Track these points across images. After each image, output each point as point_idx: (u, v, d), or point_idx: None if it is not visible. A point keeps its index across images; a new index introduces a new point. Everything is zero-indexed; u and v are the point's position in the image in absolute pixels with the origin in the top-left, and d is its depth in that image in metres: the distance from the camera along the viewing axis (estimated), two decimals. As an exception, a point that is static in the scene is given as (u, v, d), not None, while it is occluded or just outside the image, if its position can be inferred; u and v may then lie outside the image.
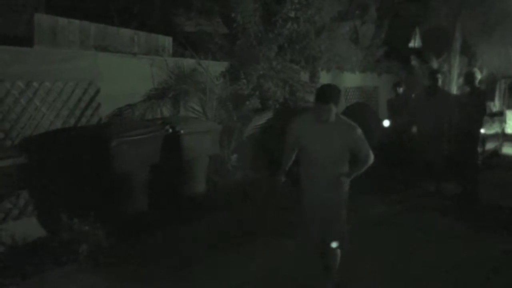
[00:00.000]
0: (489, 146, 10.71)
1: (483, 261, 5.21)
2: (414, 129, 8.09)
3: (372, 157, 4.06)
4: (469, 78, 7.77)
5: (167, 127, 6.04)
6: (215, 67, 8.01)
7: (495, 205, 7.38)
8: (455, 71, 14.99)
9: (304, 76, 9.68)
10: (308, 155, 4.12)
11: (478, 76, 7.75)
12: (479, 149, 8.63)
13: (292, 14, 8.93)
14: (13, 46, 5.42)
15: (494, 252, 5.48)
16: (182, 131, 6.12)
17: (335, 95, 3.95)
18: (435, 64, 14.87)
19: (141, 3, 9.04)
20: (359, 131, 3.99)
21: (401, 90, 9.66)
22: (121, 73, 6.47)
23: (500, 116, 11.97)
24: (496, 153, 11.76)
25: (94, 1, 8.01)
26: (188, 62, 7.60)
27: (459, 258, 5.21)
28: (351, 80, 12.62)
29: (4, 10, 6.66)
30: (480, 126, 7.90)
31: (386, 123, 9.52)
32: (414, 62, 14.92)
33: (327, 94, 3.93)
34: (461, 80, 13.90)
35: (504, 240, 5.91)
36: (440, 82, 8.08)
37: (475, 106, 7.54)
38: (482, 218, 6.73)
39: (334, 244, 4.11)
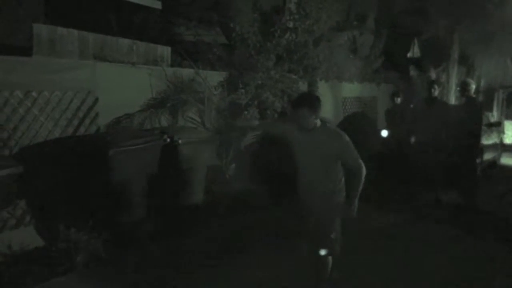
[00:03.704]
0: (488, 156, 10.71)
1: (483, 271, 5.20)
2: (413, 139, 8.09)
3: (363, 166, 4.00)
4: (463, 88, 7.79)
5: (165, 136, 6.03)
6: (214, 77, 8.02)
7: (494, 216, 7.38)
8: (453, 81, 15.03)
9: (303, 86, 9.70)
10: (299, 164, 4.18)
11: (473, 86, 7.77)
12: (478, 160, 8.64)
13: (291, 25, 8.97)
14: (12, 56, 5.45)
15: (493, 262, 5.47)
16: (180, 141, 6.12)
17: (311, 101, 4.03)
18: (433, 75, 14.92)
19: (141, 13, 9.07)
20: (346, 138, 4.00)
21: (399, 100, 9.68)
22: (120, 82, 6.49)
23: (498, 126, 11.98)
24: (494, 163, 11.77)
25: (93, 11, 8.03)
26: (187, 72, 7.61)
27: (459, 269, 5.21)
28: (349, 90, 12.64)
29: (3, 20, 6.69)
30: (479, 136, 7.91)
31: (385, 133, 9.53)
32: (412, 72, 14.97)
33: (302, 99, 4.10)
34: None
35: (504, 250, 5.90)
36: (437, 92, 8.08)
37: (471, 116, 7.56)
38: (480, 228, 6.72)
39: (322, 252, 4.13)
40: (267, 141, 7.86)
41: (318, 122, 4.04)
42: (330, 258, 4.21)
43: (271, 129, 4.38)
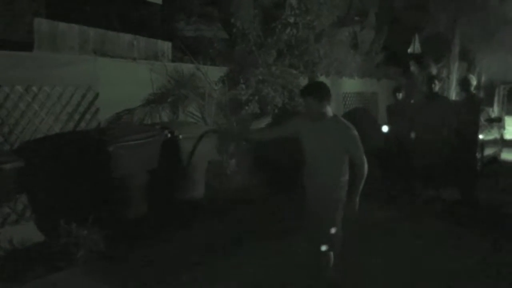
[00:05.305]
0: (488, 152, 10.71)
1: (482, 267, 5.20)
2: (413, 134, 8.08)
3: (366, 165, 4.02)
4: (464, 84, 7.79)
5: (166, 132, 6.04)
6: (214, 72, 8.02)
7: (494, 211, 7.39)
8: (454, 77, 15.04)
9: (303, 81, 9.69)
10: (307, 154, 4.19)
11: (473, 82, 7.76)
12: (478, 155, 8.63)
13: (292, 20, 8.96)
14: (13, 51, 5.44)
15: (493, 257, 5.47)
16: (180, 136, 6.12)
17: (318, 89, 4.04)
18: (434, 70, 14.92)
19: (141, 8, 9.06)
20: (356, 132, 4.00)
21: (400, 96, 9.65)
22: (120, 78, 6.48)
23: (499, 122, 11.99)
24: (495, 159, 11.77)
25: (94, 6, 8.02)
26: (187, 67, 7.61)
27: (458, 264, 5.21)
28: (350, 86, 12.63)
29: (4, 14, 6.68)
30: (477, 132, 7.90)
31: (385, 128, 9.52)
32: (413, 67, 14.96)
33: (308, 88, 4.13)
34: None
35: (505, 246, 5.90)
36: (437, 88, 8.06)
37: (471, 112, 7.56)
38: (481, 224, 6.73)
39: (323, 248, 4.12)
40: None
41: (329, 113, 4.05)
42: (331, 254, 4.20)
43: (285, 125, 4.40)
